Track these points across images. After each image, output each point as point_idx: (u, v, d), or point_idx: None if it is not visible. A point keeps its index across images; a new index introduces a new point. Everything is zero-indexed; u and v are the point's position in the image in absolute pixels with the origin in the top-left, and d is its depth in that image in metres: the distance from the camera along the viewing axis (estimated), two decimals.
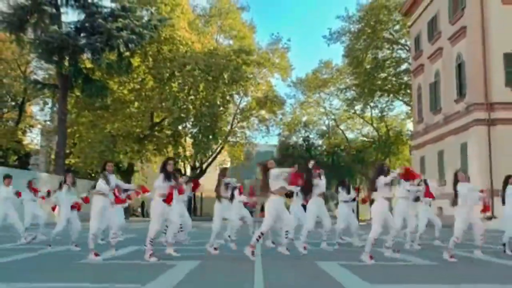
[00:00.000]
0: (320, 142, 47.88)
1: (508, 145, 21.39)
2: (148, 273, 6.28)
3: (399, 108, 44.66)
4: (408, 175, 8.76)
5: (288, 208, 9.53)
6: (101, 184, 8.49)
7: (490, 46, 22.36)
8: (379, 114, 42.68)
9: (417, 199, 10.58)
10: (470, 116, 22.53)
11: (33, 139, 43.82)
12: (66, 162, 30.83)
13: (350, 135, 47.61)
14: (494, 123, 21.96)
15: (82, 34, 29.50)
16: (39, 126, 42.58)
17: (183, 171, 39.24)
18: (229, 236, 10.11)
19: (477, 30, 22.64)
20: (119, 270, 6.89)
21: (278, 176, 8.16)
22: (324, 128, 47.48)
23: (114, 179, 8.92)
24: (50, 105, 36.33)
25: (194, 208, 43.33)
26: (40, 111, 39.41)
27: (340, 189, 11.05)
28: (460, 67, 24.05)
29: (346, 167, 43.92)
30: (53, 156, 41.60)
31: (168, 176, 8.12)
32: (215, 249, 9.13)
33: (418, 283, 6.06)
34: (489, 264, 8.08)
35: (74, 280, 5.98)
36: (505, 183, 9.87)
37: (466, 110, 22.79)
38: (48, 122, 41.35)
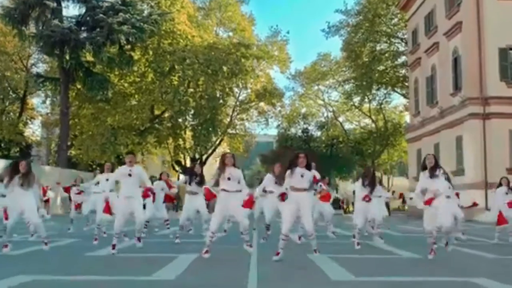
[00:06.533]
0: (319, 133, 47.85)
1: (502, 139, 21.91)
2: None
3: (397, 100, 44.85)
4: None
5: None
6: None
7: (485, 41, 22.74)
8: (378, 107, 43.01)
9: None
10: (465, 110, 22.92)
11: (34, 131, 44.22)
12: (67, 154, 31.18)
13: (348, 127, 47.98)
14: (489, 117, 22.33)
15: (83, 28, 29.82)
16: (40, 118, 42.97)
17: (183, 163, 39.85)
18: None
19: (473, 25, 23.02)
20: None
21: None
22: (323, 120, 47.51)
23: None
24: (51, 97, 36.67)
25: None
26: (41, 103, 39.76)
27: None
28: (456, 62, 24.41)
29: (344, 159, 44.24)
30: (53, 147, 42.15)
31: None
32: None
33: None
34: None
35: None
36: None
37: (461, 104, 23.19)
38: (49, 114, 41.77)
